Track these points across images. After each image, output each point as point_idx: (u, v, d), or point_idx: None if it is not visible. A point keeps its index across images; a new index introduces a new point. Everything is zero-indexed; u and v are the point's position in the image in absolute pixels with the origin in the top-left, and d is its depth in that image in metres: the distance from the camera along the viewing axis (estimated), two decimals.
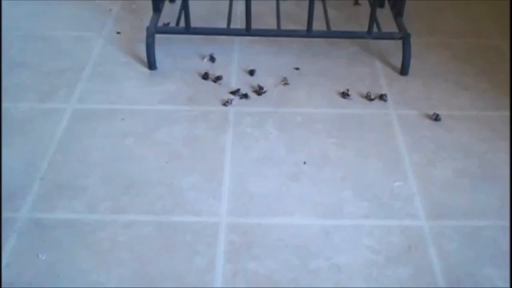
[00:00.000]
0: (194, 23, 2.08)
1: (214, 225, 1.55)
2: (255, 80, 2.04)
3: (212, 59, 2.13)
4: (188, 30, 2.08)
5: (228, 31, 2.13)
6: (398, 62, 2.13)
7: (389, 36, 2.11)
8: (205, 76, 2.05)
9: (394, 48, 2.18)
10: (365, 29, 2.09)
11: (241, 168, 1.71)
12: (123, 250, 1.48)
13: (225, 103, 1.94)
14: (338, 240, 1.52)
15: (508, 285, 1.44)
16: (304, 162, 1.73)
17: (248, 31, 2.08)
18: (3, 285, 1.40)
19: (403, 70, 2.10)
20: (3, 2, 2.34)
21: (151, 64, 2.08)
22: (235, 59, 2.16)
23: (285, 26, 2.14)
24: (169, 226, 1.54)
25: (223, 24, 2.14)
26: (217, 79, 2.04)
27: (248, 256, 1.47)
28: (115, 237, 1.51)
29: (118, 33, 2.28)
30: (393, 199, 1.63)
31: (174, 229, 1.53)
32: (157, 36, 2.08)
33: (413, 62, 2.09)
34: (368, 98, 1.98)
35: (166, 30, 2.15)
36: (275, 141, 1.81)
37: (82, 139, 1.80)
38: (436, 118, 1.90)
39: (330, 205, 1.61)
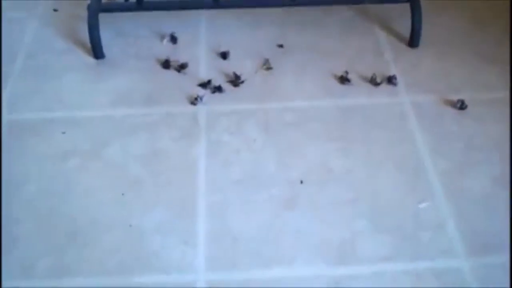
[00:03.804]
0: None
1: (189, 285, 1.16)
2: (230, 66, 1.62)
3: (173, 39, 1.70)
4: (140, 5, 1.64)
5: (190, 4, 1.68)
6: (402, 29, 1.72)
7: None
8: (166, 64, 1.62)
9: (396, 11, 1.77)
10: None
11: (219, 194, 1.32)
12: None
13: (194, 101, 1.52)
14: None
15: None
16: (301, 181, 1.34)
17: (216, 2, 1.65)
18: None
19: (413, 41, 1.68)
20: None
21: (97, 52, 1.64)
22: (202, 37, 1.73)
23: None
24: None
25: None
26: (182, 67, 1.61)
27: None
28: None
29: (55, 10, 1.82)
30: (419, 229, 1.26)
31: None
32: (104, 13, 1.64)
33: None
34: (374, 82, 1.57)
35: (112, 7, 1.69)
36: (260, 151, 1.41)
37: (11, 165, 1.38)
38: (462, 106, 1.51)
39: (339, 244, 1.23)
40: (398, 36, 1.72)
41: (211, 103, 1.52)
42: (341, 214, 1.28)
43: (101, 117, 1.49)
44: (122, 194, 1.32)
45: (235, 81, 1.57)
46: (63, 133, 1.45)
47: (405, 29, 1.70)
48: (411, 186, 1.34)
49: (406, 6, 1.67)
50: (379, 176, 1.36)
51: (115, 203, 1.30)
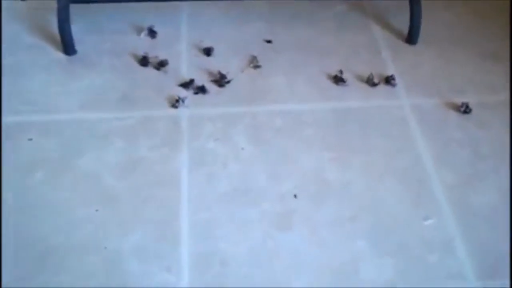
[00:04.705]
0: None
1: None
2: (214, 63, 1.49)
3: (152, 33, 1.56)
4: None
5: None
6: (400, 24, 1.60)
7: None
8: (144, 61, 1.48)
9: (393, 5, 1.65)
10: None
11: (204, 212, 1.19)
12: None
13: (175, 103, 1.39)
14: None
15: None
16: (295, 196, 1.22)
17: None
18: None
19: (411, 37, 1.56)
20: None
21: (68, 48, 1.50)
22: (183, 31, 1.59)
23: None
24: None
25: None
26: (161, 65, 1.48)
27: None
28: None
29: (22, 0, 1.66)
30: (426, 249, 1.14)
31: None
32: (76, 4, 1.49)
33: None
34: (371, 82, 1.45)
35: None
36: (249, 161, 1.28)
37: None
38: (466, 109, 1.39)
39: (339, 267, 1.11)
40: (395, 32, 1.60)
41: (193, 106, 1.39)
42: (340, 233, 1.16)
43: (72, 121, 1.35)
44: (96, 210, 1.18)
45: (220, 80, 1.44)
46: (30, 139, 1.31)
47: (403, 24, 1.59)
48: (415, 201, 1.22)
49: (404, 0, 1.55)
50: (379, 190, 1.24)
51: (88, 222, 1.16)
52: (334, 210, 1.20)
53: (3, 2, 1.64)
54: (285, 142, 1.32)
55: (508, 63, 1.51)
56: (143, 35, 1.56)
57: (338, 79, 1.45)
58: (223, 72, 1.45)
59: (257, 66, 1.49)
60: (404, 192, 1.23)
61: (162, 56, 1.49)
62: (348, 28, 1.60)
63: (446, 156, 1.30)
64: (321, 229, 1.17)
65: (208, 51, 1.51)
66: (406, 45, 1.57)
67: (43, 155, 1.28)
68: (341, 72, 1.46)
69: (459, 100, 1.42)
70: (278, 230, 1.16)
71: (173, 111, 1.38)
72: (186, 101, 1.39)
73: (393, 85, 1.45)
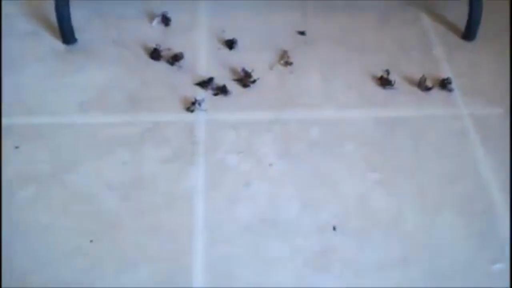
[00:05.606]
0: None
1: None
2: (238, 59, 1.27)
3: (165, 20, 1.34)
4: None
5: None
6: (455, 16, 1.38)
7: None
8: (155, 54, 1.27)
9: None
10: None
11: (222, 246, 0.98)
12: None
13: (190, 106, 1.17)
14: None
15: None
16: (334, 228, 1.00)
17: None
18: None
19: (469, 32, 1.34)
20: None
21: (66, 35, 1.29)
22: (202, 19, 1.37)
23: None
24: None
25: None
26: (175, 58, 1.26)
27: None
28: None
29: None
30: None
31: None
32: None
33: None
34: (423, 86, 1.23)
35: None
36: (279, 181, 1.07)
37: None
38: None
39: None
40: (449, 26, 1.37)
41: (212, 110, 1.18)
42: (389, 278, 0.95)
43: (67, 126, 1.14)
44: (91, 241, 0.97)
45: (244, 79, 1.22)
46: (17, 147, 1.10)
47: (458, 17, 1.36)
48: (480, 239, 1.00)
49: None
50: (435, 224, 1.02)
51: (80, 255, 0.96)
52: (381, 248, 0.98)
53: None
54: (321, 159, 1.10)
55: None
56: (155, 22, 1.34)
57: (384, 81, 1.23)
58: (248, 69, 1.23)
59: (288, 63, 1.27)
60: (466, 227, 1.01)
61: (176, 49, 1.27)
62: (395, 19, 1.38)
63: None
64: (367, 272, 0.95)
65: (230, 44, 1.29)
66: (462, 42, 1.34)
67: (30, 167, 1.07)
68: (387, 72, 1.24)
69: None
70: (314, 271, 0.95)
71: (187, 115, 1.16)
72: (204, 104, 1.18)
73: (450, 90, 1.22)
